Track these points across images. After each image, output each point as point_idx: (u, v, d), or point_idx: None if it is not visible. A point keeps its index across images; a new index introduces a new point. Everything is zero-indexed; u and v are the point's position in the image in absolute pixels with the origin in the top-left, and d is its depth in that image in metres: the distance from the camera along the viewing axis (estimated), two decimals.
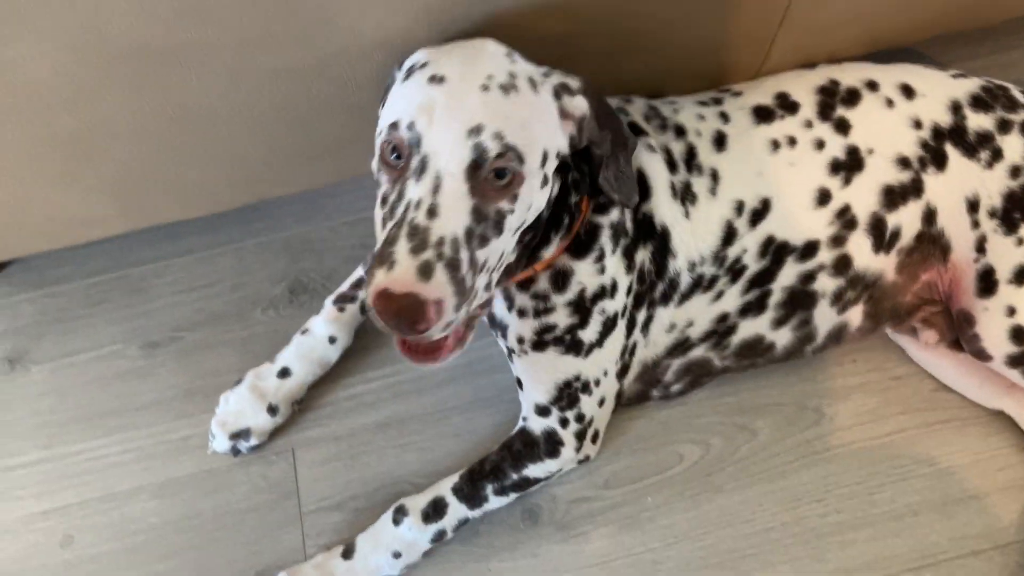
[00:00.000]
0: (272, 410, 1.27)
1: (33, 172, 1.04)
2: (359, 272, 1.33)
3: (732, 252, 1.13)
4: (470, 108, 0.84)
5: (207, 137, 1.05)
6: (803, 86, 1.18)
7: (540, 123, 0.90)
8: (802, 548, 1.17)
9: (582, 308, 1.08)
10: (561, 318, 1.09)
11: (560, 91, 0.92)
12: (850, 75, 1.19)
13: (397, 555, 1.15)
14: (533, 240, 1.01)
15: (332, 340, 1.28)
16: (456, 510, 1.16)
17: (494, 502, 1.17)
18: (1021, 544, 1.15)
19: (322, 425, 1.31)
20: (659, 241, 1.11)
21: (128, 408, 1.35)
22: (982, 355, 1.15)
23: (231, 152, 1.10)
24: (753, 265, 1.14)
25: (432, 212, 0.81)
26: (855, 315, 1.20)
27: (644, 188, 1.09)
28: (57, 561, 1.25)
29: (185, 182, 1.15)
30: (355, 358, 1.34)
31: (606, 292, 1.08)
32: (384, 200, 0.87)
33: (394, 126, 0.85)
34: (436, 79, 0.86)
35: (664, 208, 1.10)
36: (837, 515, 1.19)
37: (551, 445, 1.16)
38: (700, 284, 1.14)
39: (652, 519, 1.21)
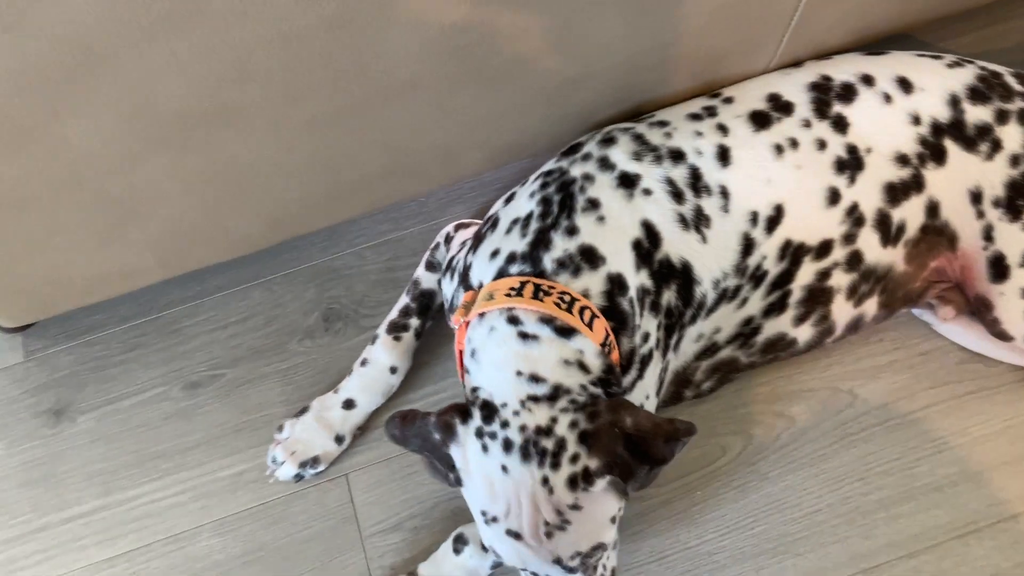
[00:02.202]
0: (339, 439, 1.31)
1: (79, 234, 1.06)
2: (405, 299, 1.36)
3: (752, 261, 1.15)
4: (547, 552, 0.95)
5: (247, 188, 1.07)
6: (793, 85, 1.19)
7: (602, 513, 0.96)
8: (849, 527, 1.22)
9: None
10: None
11: (614, 487, 0.95)
12: (842, 69, 1.20)
13: None
14: None
15: (393, 370, 1.32)
16: None
17: None
18: None
19: (372, 448, 1.34)
20: (682, 277, 1.11)
21: (178, 449, 1.38)
22: (1003, 336, 1.20)
23: (269, 198, 1.12)
24: (773, 269, 1.16)
25: None
26: (870, 306, 1.24)
27: (653, 236, 1.09)
28: None
29: (223, 230, 1.17)
30: None
31: (638, 346, 1.09)
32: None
33: (496, 554, 1.01)
34: (512, 534, 0.95)
35: (679, 245, 1.10)
36: (879, 492, 1.23)
37: None
38: (725, 296, 1.16)
39: (702, 512, 1.25)
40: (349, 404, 1.32)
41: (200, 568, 1.29)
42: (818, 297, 1.20)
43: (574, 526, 0.93)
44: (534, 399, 0.95)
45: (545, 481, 0.92)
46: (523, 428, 0.93)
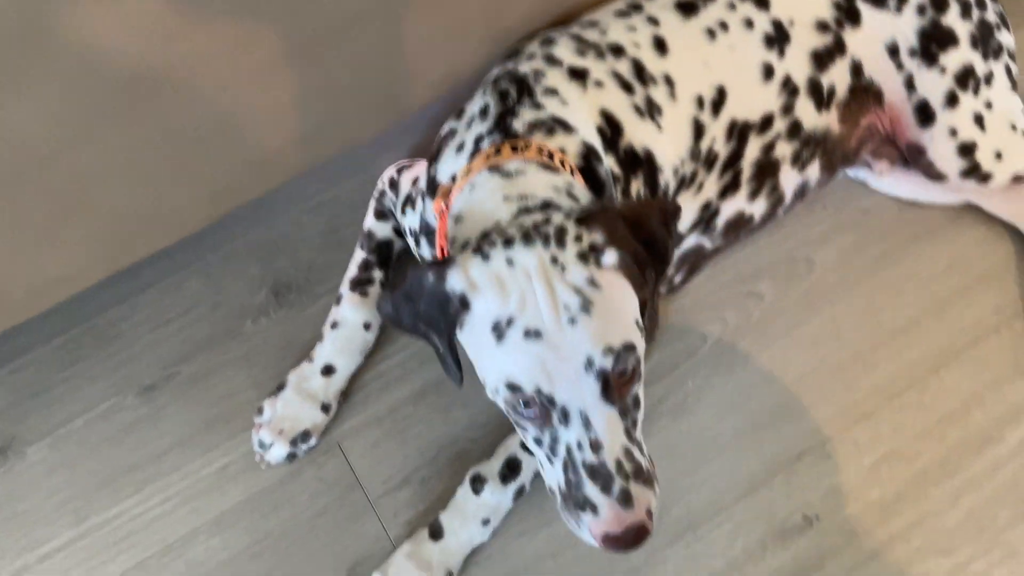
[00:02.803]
0: (325, 408, 1.26)
1: (16, 239, 0.96)
2: (361, 254, 1.31)
3: (704, 145, 1.18)
4: (574, 349, 0.84)
5: (194, 153, 1.00)
6: None
7: (624, 303, 0.88)
8: (834, 383, 1.29)
9: None
10: None
11: (627, 271, 0.87)
12: None
13: (486, 522, 1.18)
14: None
15: (367, 326, 1.28)
16: (530, 463, 1.19)
17: None
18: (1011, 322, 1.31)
19: (359, 412, 1.30)
20: (647, 166, 1.12)
21: (150, 458, 1.29)
22: (939, 177, 1.28)
23: (217, 162, 1.05)
24: (723, 150, 1.20)
25: (596, 446, 0.85)
26: (813, 171, 1.30)
27: (614, 125, 1.09)
28: None
29: (169, 207, 1.08)
30: None
31: None
32: (539, 441, 0.89)
33: (515, 388, 0.86)
34: (531, 333, 0.84)
35: (639, 133, 1.11)
36: (853, 346, 1.31)
37: None
38: (684, 183, 1.18)
39: (698, 400, 1.29)
40: (328, 370, 1.27)
41: (206, 571, 1.22)
42: (766, 170, 1.25)
43: (597, 307, 0.84)
44: (526, 210, 0.91)
45: (555, 260, 0.85)
46: (521, 226, 0.88)
